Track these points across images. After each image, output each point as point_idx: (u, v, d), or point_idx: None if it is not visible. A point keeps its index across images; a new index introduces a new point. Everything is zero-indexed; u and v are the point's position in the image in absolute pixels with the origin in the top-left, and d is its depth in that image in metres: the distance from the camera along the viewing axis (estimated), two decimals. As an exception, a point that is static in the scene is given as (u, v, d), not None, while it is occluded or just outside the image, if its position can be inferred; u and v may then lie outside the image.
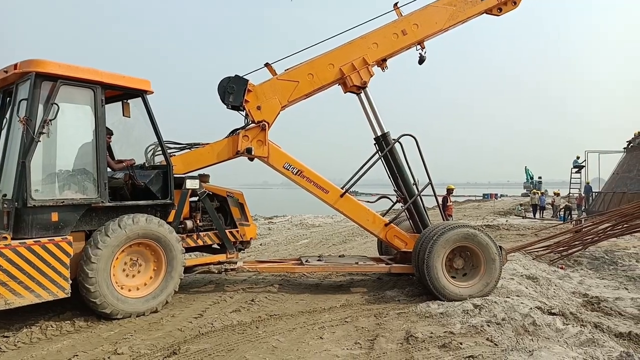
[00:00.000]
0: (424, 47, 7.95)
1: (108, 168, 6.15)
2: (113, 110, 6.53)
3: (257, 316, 6.03)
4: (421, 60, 8.02)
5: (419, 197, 7.78)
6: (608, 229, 11.58)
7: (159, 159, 7.04)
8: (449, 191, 15.58)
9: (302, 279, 8.45)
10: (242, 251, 7.97)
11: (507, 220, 22.70)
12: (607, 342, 5.10)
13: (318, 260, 7.99)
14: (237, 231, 7.44)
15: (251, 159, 7.34)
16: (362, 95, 7.71)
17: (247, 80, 7.33)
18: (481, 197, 58.15)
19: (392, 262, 7.89)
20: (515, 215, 28.16)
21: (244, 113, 7.46)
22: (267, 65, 7.71)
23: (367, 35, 7.72)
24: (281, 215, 23.74)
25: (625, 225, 11.29)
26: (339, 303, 6.73)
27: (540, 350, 4.47)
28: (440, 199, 14.93)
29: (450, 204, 15.79)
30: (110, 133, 6.49)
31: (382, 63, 7.90)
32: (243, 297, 7.03)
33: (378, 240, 8.70)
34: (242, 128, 7.35)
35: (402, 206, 8.00)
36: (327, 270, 8.02)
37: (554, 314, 5.87)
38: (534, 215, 26.43)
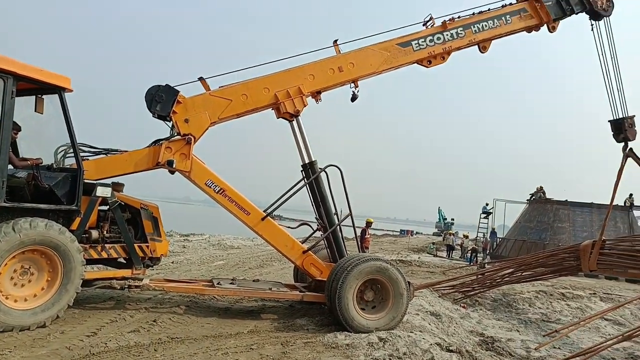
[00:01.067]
0: (358, 86, 8.26)
1: (10, 165, 5.63)
2: (27, 105, 6.04)
3: (157, 338, 5.70)
4: (353, 98, 8.32)
5: (338, 227, 7.92)
6: (507, 275, 12.47)
7: (70, 162, 6.57)
8: (368, 224, 16.07)
9: (211, 302, 8.16)
10: (150, 268, 7.56)
11: (419, 257, 23.70)
12: (496, 380, 5.41)
13: (231, 283, 7.78)
14: (147, 246, 7.05)
15: (172, 172, 7.08)
16: (294, 123, 7.81)
17: (178, 91, 7.16)
18: (398, 233, 60.46)
19: (306, 290, 7.89)
20: (427, 253, 29.52)
21: (170, 124, 7.25)
22: (201, 79, 7.59)
23: (305, 66, 7.92)
24: (199, 234, 22.95)
25: (523, 274, 12.24)
26: (247, 329, 6.58)
27: (435, 385, 4.64)
28: (358, 231, 15.53)
29: (368, 236, 16.22)
30: (17, 128, 5.97)
31: (316, 95, 8.09)
32: (145, 316, 6.63)
33: (294, 267, 8.68)
34: (166, 139, 7.11)
35: (321, 234, 8.08)
36: (238, 295, 7.81)
37: (451, 351, 6.15)
38: (447, 255, 27.88)
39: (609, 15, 9.97)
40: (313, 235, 8.69)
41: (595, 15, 9.88)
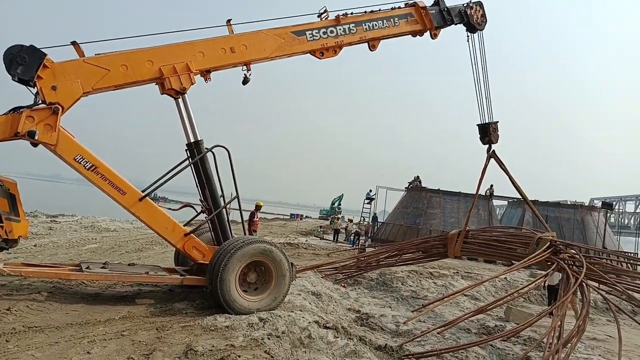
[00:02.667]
0: (250, 69, 8.11)
1: None
2: None
3: (10, 328, 5.12)
4: (245, 81, 8.16)
5: (224, 209, 7.77)
6: (384, 259, 13.39)
7: None
8: (257, 207, 16.03)
9: (79, 288, 7.52)
10: (5, 251, 6.72)
11: (306, 240, 24.33)
12: (367, 353, 5.82)
13: (102, 267, 7.23)
14: (2, 227, 6.24)
15: (34, 145, 6.32)
16: (180, 100, 7.44)
17: (45, 55, 6.39)
18: (288, 217, 61.36)
19: (187, 274, 7.64)
20: (315, 236, 30.46)
21: (34, 90, 6.44)
22: (74, 44, 6.84)
23: (195, 42, 7.56)
24: (69, 215, 20.89)
25: (399, 258, 13.26)
26: (119, 315, 6.19)
27: (309, 361, 4.83)
28: (247, 215, 15.48)
29: (257, 219, 16.19)
30: None
31: (206, 74, 7.77)
32: (-4, 305, 5.90)
33: (176, 250, 8.35)
34: (28, 107, 6.31)
35: (206, 217, 7.86)
36: (110, 279, 7.29)
37: (328, 327, 6.45)
38: (333, 238, 28.93)
39: (482, 29, 11.07)
40: (196, 217, 8.44)
41: (471, 28, 10.92)
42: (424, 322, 8.92)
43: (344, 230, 30.37)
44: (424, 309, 8.29)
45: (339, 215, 38.39)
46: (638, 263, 15.01)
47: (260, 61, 8.23)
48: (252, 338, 5.49)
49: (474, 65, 11.38)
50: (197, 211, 8.13)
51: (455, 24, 10.58)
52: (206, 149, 7.57)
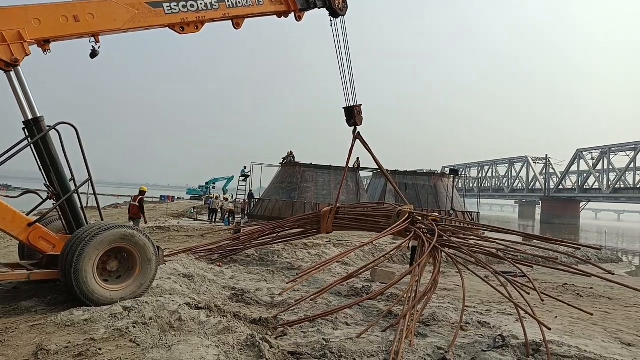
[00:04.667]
0: (99, 42, 7.31)
1: None
2: None
3: None
4: (93, 54, 7.35)
5: (75, 194, 7.01)
6: (260, 237, 13.50)
7: None
8: (142, 192, 15.43)
9: None
10: None
11: (179, 222, 23.41)
12: (240, 328, 5.82)
13: None
14: None
15: None
16: (13, 74, 6.43)
17: None
18: (158, 199, 58.19)
19: (35, 268, 6.80)
20: (188, 217, 29.42)
21: None
22: None
23: (29, 7, 6.57)
24: None
25: (275, 236, 13.49)
26: (-53, 323, 5.30)
27: (179, 344, 4.70)
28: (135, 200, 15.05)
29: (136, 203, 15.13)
30: None
31: (44, 44, 6.80)
32: None
33: (20, 243, 7.36)
34: None
35: (53, 203, 7.03)
36: None
37: (200, 308, 6.31)
38: (209, 219, 28.17)
39: (344, 15, 11.45)
40: (42, 204, 7.51)
41: (334, 13, 11.21)
42: (297, 291, 9.21)
43: (220, 210, 29.85)
44: (298, 279, 8.59)
45: (216, 195, 37.51)
46: (477, 228, 17.26)
47: (111, 33, 7.46)
48: (116, 329, 5.14)
49: (337, 51, 11.80)
50: (42, 198, 7.22)
51: (319, 8, 10.80)
52: (48, 127, 6.71)
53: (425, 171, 35.53)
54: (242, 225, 19.75)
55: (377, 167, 15.30)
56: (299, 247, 14.55)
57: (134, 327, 5.21)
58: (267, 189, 30.54)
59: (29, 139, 6.64)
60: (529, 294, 7.42)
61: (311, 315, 7.15)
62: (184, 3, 8.13)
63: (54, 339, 4.83)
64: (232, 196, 32.04)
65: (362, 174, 33.30)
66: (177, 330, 5.39)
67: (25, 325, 5.28)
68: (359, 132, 13.00)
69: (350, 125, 13.08)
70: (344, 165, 13.87)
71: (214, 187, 57.38)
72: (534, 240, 12.03)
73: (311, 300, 7.71)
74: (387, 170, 22.84)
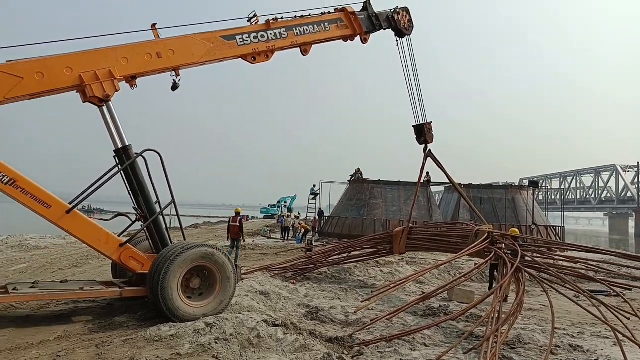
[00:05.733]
0: (179, 75, 7.86)
1: None
2: None
3: None
4: (174, 87, 7.92)
5: (160, 215, 7.49)
6: (331, 257, 13.54)
7: None
8: (237, 214, 16.09)
9: (7, 312, 6.98)
10: None
11: (253, 241, 24.07)
12: (316, 346, 5.84)
13: (31, 287, 6.75)
14: None
15: (-59, 161, 5.77)
16: (105, 108, 7.07)
17: None
18: (233, 219, 60.34)
19: (127, 286, 7.31)
20: (262, 236, 30.18)
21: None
22: (-17, 50, 6.32)
23: (118, 47, 7.24)
24: (-7, 235, 19.35)
25: (347, 256, 13.47)
26: (54, 336, 5.83)
27: (258, 360, 4.78)
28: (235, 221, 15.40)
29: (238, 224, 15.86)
30: None
31: (131, 80, 7.46)
32: None
33: (112, 262, 7.96)
34: None
35: (141, 225, 7.55)
36: (42, 299, 6.85)
37: (277, 325, 6.41)
38: (282, 237, 28.70)
39: (409, 34, 11.42)
40: (132, 226, 8.09)
41: (399, 33, 11.23)
42: (372, 309, 9.09)
43: (292, 228, 30.34)
44: (372, 298, 8.47)
45: (288, 213, 38.28)
46: (562, 247, 15.98)
47: (190, 66, 8.01)
48: (199, 344, 5.36)
49: (404, 69, 11.74)
50: (131, 220, 7.79)
51: (384, 29, 10.87)
52: (136, 154, 7.26)
53: (501, 184, 33.87)
54: (313, 243, 19.94)
55: (449, 182, 14.87)
56: (371, 265, 14.37)
57: (216, 343, 5.40)
58: (336, 206, 30.62)
59: (119, 165, 7.21)
60: (628, 319, 6.76)
61: (387, 335, 7.01)
62: (255, 34, 8.52)
63: (145, 353, 5.13)
64: (299, 214, 32.47)
65: (434, 188, 32.42)
66: (256, 347, 5.51)
67: (119, 340, 5.66)
68: (430, 150, 12.75)
69: (420, 144, 12.87)
70: (413, 181, 13.65)
71: (285, 206, 58.65)
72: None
73: (387, 319, 7.57)
74: (460, 184, 22.12)
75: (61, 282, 7.58)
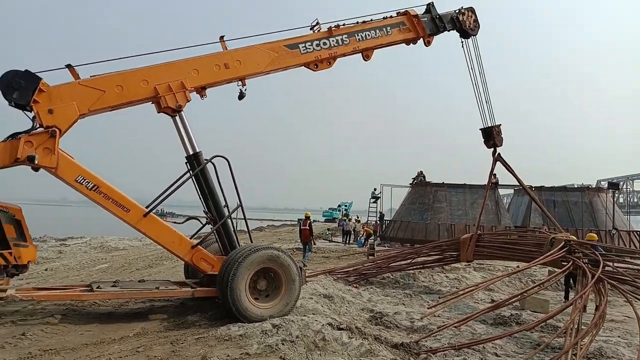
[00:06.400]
0: (245, 84, 8.12)
1: None
2: None
3: (26, 352, 5.14)
4: (241, 96, 8.17)
5: (229, 219, 7.76)
6: (394, 262, 13.34)
7: None
8: (307, 217, 16.81)
9: (91, 308, 7.53)
10: (15, 277, 6.75)
11: (315, 244, 24.29)
12: (382, 352, 5.77)
13: (113, 286, 7.24)
14: (10, 253, 6.27)
15: (35, 169, 6.36)
16: (177, 118, 7.45)
17: (40, 79, 6.43)
18: (296, 222, 61.33)
19: (198, 286, 7.64)
20: (323, 239, 30.40)
21: (31, 115, 6.49)
22: (69, 67, 6.88)
23: (189, 60, 7.60)
24: (78, 237, 20.98)
25: (411, 262, 13.22)
26: (133, 332, 6.20)
27: (325, 363, 4.81)
28: (305, 224, 16.18)
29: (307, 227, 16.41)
30: None
31: (201, 91, 7.80)
32: (10, 331, 5.92)
33: (185, 263, 8.36)
34: (26, 132, 6.34)
35: (211, 228, 7.86)
36: (122, 297, 7.32)
37: (342, 329, 6.41)
38: (343, 240, 28.78)
39: (475, 35, 11.04)
40: (202, 229, 8.46)
41: (465, 34, 10.90)
42: (438, 316, 8.85)
43: (353, 232, 30.30)
44: (440, 305, 8.24)
45: (348, 217, 38.33)
46: None
47: (255, 75, 8.25)
48: (267, 345, 5.47)
49: (470, 71, 11.35)
50: (202, 223, 8.15)
51: (448, 31, 10.58)
52: (205, 160, 7.58)
53: (576, 186, 31.79)
54: (375, 246, 19.78)
55: (519, 185, 14.15)
56: (436, 270, 14.00)
57: (283, 344, 5.49)
58: (398, 210, 30.17)
59: (191, 171, 7.57)
60: None
61: (455, 343, 6.79)
62: (317, 42, 8.63)
63: (215, 351, 5.32)
64: (358, 217, 32.26)
65: (502, 191, 31.05)
66: (322, 350, 5.54)
67: (191, 338, 5.92)
68: (499, 154, 12.22)
69: (489, 147, 12.37)
70: (478, 183, 13.11)
71: (345, 210, 58.78)
72: None
73: (455, 327, 7.33)
74: (530, 187, 21.02)
75: (139, 281, 8.07)
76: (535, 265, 15.47)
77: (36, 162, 6.18)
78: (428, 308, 9.12)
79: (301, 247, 21.72)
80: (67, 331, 6.13)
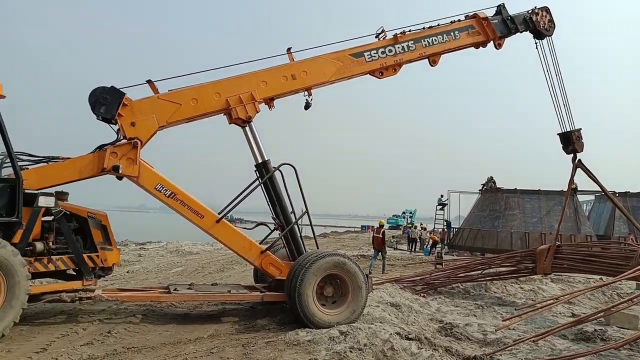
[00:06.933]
0: (311, 94, 8.27)
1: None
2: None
3: (112, 349, 5.51)
4: (307, 106, 8.33)
5: (296, 225, 7.90)
6: (466, 272, 12.86)
7: (8, 172, 6.23)
8: (381, 226, 17.26)
9: (169, 309, 7.96)
10: (102, 278, 7.29)
11: (386, 252, 24.02)
12: (454, 364, 5.57)
13: (188, 288, 7.61)
14: (98, 256, 6.79)
15: (119, 178, 6.86)
16: (247, 128, 7.72)
17: (124, 94, 6.94)
18: (360, 229, 61.02)
19: (267, 291, 7.83)
20: (388, 246, 29.98)
21: (115, 127, 7.02)
22: (149, 82, 7.39)
23: (258, 72, 7.86)
24: (155, 241, 22.30)
25: (481, 272, 12.69)
26: (207, 333, 6.46)
27: (394, 373, 4.72)
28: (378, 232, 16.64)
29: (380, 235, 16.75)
30: None
31: (269, 102, 8.03)
32: (98, 328, 6.39)
33: (254, 268, 8.60)
34: (111, 144, 6.87)
35: (279, 234, 8.04)
36: (197, 300, 7.68)
37: (411, 339, 6.27)
38: (409, 248, 28.25)
39: (550, 35, 10.44)
40: (270, 235, 8.65)
41: (539, 34, 10.31)
42: (513, 329, 8.40)
43: (418, 239, 29.62)
44: (516, 317, 7.83)
45: (413, 224, 37.57)
46: None
47: (321, 85, 8.36)
48: (335, 352, 5.49)
49: (546, 73, 10.71)
50: (270, 229, 8.35)
51: (521, 32, 10.07)
52: (273, 167, 7.78)
53: (667, 192, 28.97)
54: (443, 255, 19.21)
55: (601, 191, 13.12)
56: (510, 281, 13.31)
57: (351, 352, 5.47)
58: (466, 217, 29.09)
59: (259, 179, 7.80)
60: None
61: (532, 359, 6.41)
62: (382, 49, 8.59)
63: (285, 356, 5.42)
64: (421, 224, 31.43)
65: (581, 197, 28.99)
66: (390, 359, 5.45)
67: (262, 341, 6.07)
68: (579, 160, 11.40)
69: (568, 153, 11.57)
70: (555, 190, 12.28)
71: (410, 217, 57.64)
72: None
73: (532, 341, 6.92)
74: (614, 193, 19.44)
75: (212, 284, 8.42)
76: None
77: (120, 171, 6.67)
78: (503, 320, 8.69)
79: (366, 254, 21.66)
80: (147, 330, 6.51)
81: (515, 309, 7.64)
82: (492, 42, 9.67)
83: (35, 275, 6.13)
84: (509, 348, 6.84)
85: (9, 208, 5.72)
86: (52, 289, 6.50)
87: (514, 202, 25.39)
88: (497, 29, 9.61)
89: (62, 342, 5.71)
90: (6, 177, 6.10)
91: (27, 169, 6.39)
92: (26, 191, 5.92)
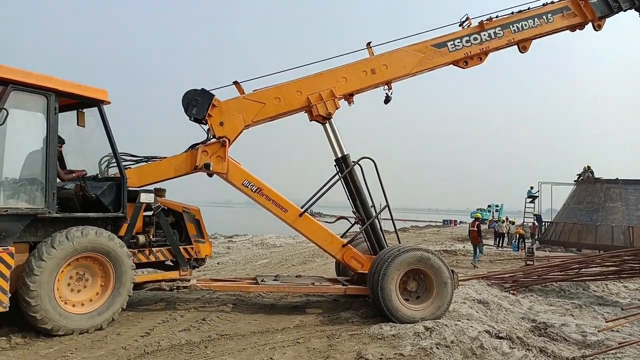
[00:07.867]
0: (391, 88, 8.16)
1: (57, 178, 5.94)
2: (69, 120, 6.34)
3: (207, 336, 5.88)
4: (387, 100, 8.23)
5: (376, 219, 7.88)
6: (562, 270, 12.00)
7: (114, 171, 6.87)
8: (477, 219, 17.03)
9: (257, 299, 8.32)
10: (196, 269, 7.80)
11: (464, 247, 23.16)
12: (550, 365, 5.24)
13: (274, 280, 7.90)
14: (192, 248, 7.28)
15: (210, 175, 7.27)
16: (327, 125, 7.81)
17: (213, 95, 7.33)
18: (441, 223, 59.31)
19: (349, 284, 7.90)
20: (473, 242, 28.80)
21: (206, 127, 7.44)
22: (235, 83, 7.74)
23: (338, 69, 7.91)
24: (242, 235, 23.43)
25: (577, 272, 11.77)
26: (293, 324, 6.67)
27: (485, 372, 4.55)
28: (473, 226, 16.50)
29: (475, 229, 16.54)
30: (61, 142, 6.29)
31: (349, 97, 8.05)
32: (194, 315, 6.85)
33: (336, 261, 8.72)
34: (202, 143, 7.30)
35: (360, 227, 8.06)
36: (282, 291, 7.94)
37: (501, 338, 6.00)
38: (496, 243, 26.98)
39: None
40: (351, 228, 8.71)
41: None
42: (617, 331, 7.71)
43: (506, 234, 28.14)
44: (622, 318, 7.20)
45: (503, 218, 35.74)
46: None
47: (402, 78, 8.21)
48: (420, 347, 5.40)
49: None
50: (351, 222, 8.40)
51: (624, 10, 9.14)
52: (353, 162, 7.80)
53: None
54: (534, 251, 18.07)
55: None
56: (611, 279, 12.22)
57: (437, 348, 5.36)
58: (560, 210, 27.06)
59: (339, 173, 7.86)
60: None
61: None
62: (467, 38, 8.24)
63: (370, 349, 5.43)
64: (508, 218, 29.64)
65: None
66: (480, 358, 5.27)
67: (346, 334, 6.14)
68: None
69: None
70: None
71: (496, 211, 54.78)
72: None
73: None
74: None
75: (296, 276, 8.67)
76: None
77: (211, 169, 7.08)
78: (606, 321, 8.03)
79: (449, 249, 21.03)
80: (237, 319, 6.86)
81: (622, 309, 6.99)
82: (590, 23, 8.89)
83: (138, 265, 6.68)
84: (612, 351, 6.30)
85: (115, 204, 6.30)
86: (153, 278, 7.08)
87: (615, 193, 23.22)
88: (596, 9, 8.80)
89: (163, 327, 6.20)
90: (113, 176, 6.72)
91: (130, 168, 7.00)
92: (129, 189, 6.49)
